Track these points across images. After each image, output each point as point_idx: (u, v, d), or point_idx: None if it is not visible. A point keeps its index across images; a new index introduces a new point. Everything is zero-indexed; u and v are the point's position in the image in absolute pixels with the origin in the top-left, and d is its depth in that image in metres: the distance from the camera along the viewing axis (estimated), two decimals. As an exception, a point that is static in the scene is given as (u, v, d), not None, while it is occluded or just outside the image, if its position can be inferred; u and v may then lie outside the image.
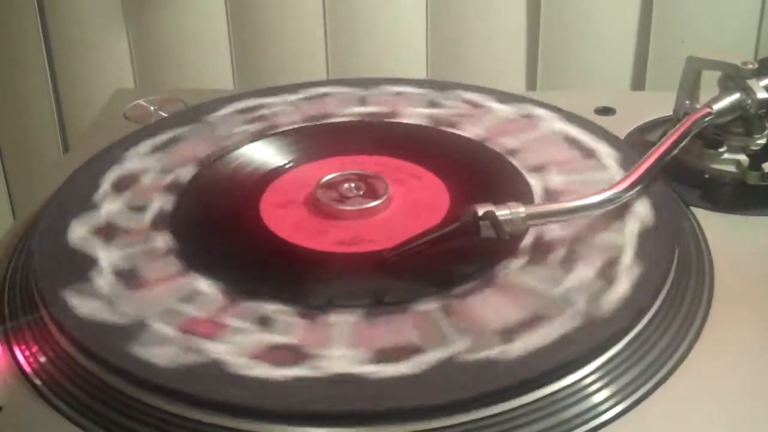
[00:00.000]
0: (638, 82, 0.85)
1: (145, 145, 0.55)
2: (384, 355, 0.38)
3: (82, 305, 0.42)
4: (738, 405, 0.38)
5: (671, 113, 0.56)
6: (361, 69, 0.86)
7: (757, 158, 0.52)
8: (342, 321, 0.41)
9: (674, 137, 0.50)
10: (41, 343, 0.41)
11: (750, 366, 0.40)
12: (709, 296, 0.44)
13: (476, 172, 0.52)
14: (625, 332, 0.40)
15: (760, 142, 0.52)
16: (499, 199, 0.44)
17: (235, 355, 0.38)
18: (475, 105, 0.58)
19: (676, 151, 0.49)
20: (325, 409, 0.36)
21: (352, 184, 0.50)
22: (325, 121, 0.58)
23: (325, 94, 0.61)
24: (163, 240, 0.47)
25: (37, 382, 0.40)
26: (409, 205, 0.49)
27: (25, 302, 0.43)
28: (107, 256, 0.45)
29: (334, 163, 0.52)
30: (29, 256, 0.46)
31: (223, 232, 0.48)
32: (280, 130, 0.56)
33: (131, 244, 0.46)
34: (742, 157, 0.52)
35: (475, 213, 0.43)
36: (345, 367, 0.38)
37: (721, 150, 0.53)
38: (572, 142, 0.54)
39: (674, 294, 0.43)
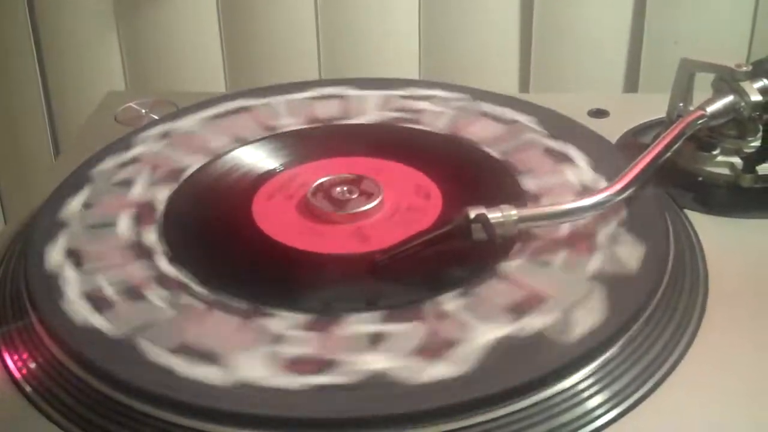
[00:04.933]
0: (631, 84, 0.85)
1: (141, 145, 0.55)
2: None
3: (72, 310, 0.41)
4: (732, 409, 0.38)
5: (664, 115, 0.56)
6: (353, 70, 0.86)
7: (750, 161, 0.52)
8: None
9: (667, 140, 0.49)
10: (31, 349, 0.41)
11: (745, 369, 0.40)
12: (703, 299, 0.44)
13: (469, 174, 0.52)
14: (619, 336, 0.39)
15: (753, 144, 0.52)
16: (491, 203, 0.44)
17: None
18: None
19: (669, 154, 0.49)
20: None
21: (345, 188, 0.49)
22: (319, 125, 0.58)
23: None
24: (152, 245, 0.46)
25: (27, 388, 0.39)
26: (401, 208, 0.49)
27: (16, 308, 0.43)
28: (95, 260, 0.45)
29: (327, 166, 0.52)
30: (19, 261, 0.46)
31: (214, 236, 0.48)
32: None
33: (121, 249, 0.46)
34: (736, 160, 0.52)
35: (467, 216, 0.43)
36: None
37: (714, 152, 0.53)
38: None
39: (668, 297, 0.43)
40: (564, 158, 0.52)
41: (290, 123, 0.57)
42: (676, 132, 0.50)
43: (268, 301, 0.42)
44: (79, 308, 0.42)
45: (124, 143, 0.55)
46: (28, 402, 0.39)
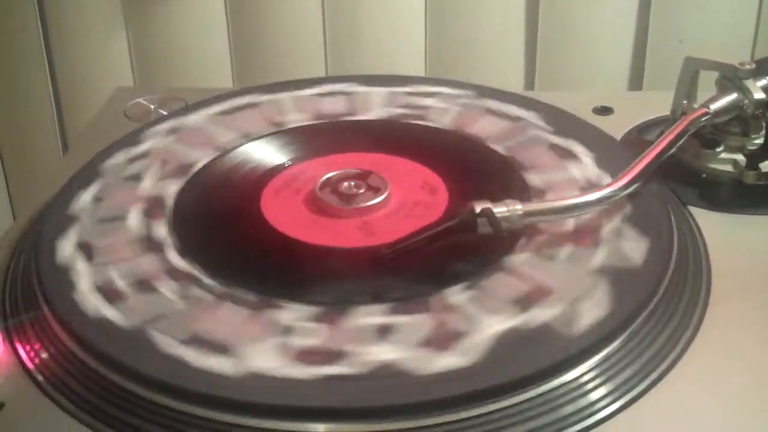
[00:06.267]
0: (636, 82, 0.85)
1: (151, 139, 0.56)
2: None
3: (83, 301, 0.42)
4: (734, 403, 0.38)
5: (669, 113, 0.57)
6: (359, 67, 0.86)
7: (754, 158, 0.52)
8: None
9: (671, 136, 0.50)
10: (43, 339, 0.41)
11: (746, 364, 0.40)
12: (706, 295, 0.44)
13: (475, 170, 0.52)
14: (622, 330, 0.40)
15: (757, 141, 0.52)
16: (497, 198, 0.45)
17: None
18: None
19: (673, 151, 0.50)
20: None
21: (352, 183, 0.50)
22: (326, 120, 0.58)
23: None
24: (162, 239, 0.47)
25: (39, 378, 0.40)
26: (408, 203, 0.49)
27: (27, 299, 0.44)
28: (106, 253, 0.45)
29: (334, 162, 0.53)
30: (30, 253, 0.46)
31: (223, 228, 0.48)
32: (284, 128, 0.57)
33: (130, 243, 0.47)
34: (739, 157, 0.52)
35: (473, 210, 0.44)
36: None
37: (718, 150, 0.53)
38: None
39: (671, 292, 0.43)
40: (569, 154, 0.53)
41: (298, 119, 0.58)
42: (679, 129, 0.50)
43: (276, 294, 0.42)
44: (90, 299, 0.42)
45: (133, 138, 0.56)
46: (40, 391, 0.39)
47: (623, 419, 0.38)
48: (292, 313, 0.41)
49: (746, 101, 0.52)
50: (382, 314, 0.41)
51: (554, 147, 0.53)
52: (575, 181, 0.50)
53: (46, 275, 0.44)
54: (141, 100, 0.65)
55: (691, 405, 0.38)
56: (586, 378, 0.38)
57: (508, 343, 0.39)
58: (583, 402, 0.38)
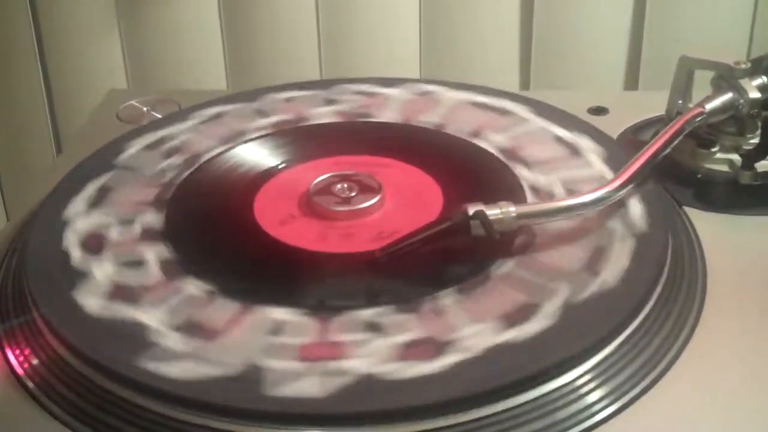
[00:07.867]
0: (631, 82, 0.85)
1: (140, 144, 0.55)
2: None
3: (74, 307, 0.42)
4: (731, 404, 0.38)
5: (664, 113, 0.57)
6: (354, 68, 0.86)
7: (749, 158, 0.52)
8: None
9: (666, 137, 0.50)
10: (33, 345, 0.41)
11: (743, 365, 0.40)
12: (701, 295, 0.44)
13: (469, 170, 0.52)
14: (619, 332, 0.40)
15: (752, 141, 0.52)
16: (491, 198, 0.44)
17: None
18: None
19: (668, 151, 0.50)
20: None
21: (346, 185, 0.50)
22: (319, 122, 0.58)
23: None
24: (155, 242, 0.46)
25: (30, 384, 0.40)
26: (402, 204, 0.49)
27: (18, 304, 0.43)
28: (99, 258, 0.45)
29: (328, 164, 0.53)
30: (22, 257, 0.46)
31: (216, 233, 0.48)
32: (275, 130, 0.57)
33: (123, 246, 0.46)
34: (735, 157, 0.52)
35: (466, 212, 0.44)
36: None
37: (713, 150, 0.53)
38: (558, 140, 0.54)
39: (667, 293, 0.43)
40: (566, 154, 0.52)
41: (291, 121, 0.58)
42: (674, 129, 0.50)
43: (268, 298, 0.42)
44: (81, 304, 0.42)
45: (124, 141, 0.56)
46: (30, 398, 0.39)
47: (619, 422, 0.37)
48: (282, 316, 0.41)
49: (741, 101, 0.51)
50: (373, 317, 0.41)
51: (551, 147, 0.53)
52: (572, 181, 0.50)
53: (35, 278, 0.43)
54: (134, 102, 0.64)
55: (688, 407, 0.38)
56: (581, 381, 0.38)
57: (502, 347, 0.39)
58: (579, 405, 0.37)
